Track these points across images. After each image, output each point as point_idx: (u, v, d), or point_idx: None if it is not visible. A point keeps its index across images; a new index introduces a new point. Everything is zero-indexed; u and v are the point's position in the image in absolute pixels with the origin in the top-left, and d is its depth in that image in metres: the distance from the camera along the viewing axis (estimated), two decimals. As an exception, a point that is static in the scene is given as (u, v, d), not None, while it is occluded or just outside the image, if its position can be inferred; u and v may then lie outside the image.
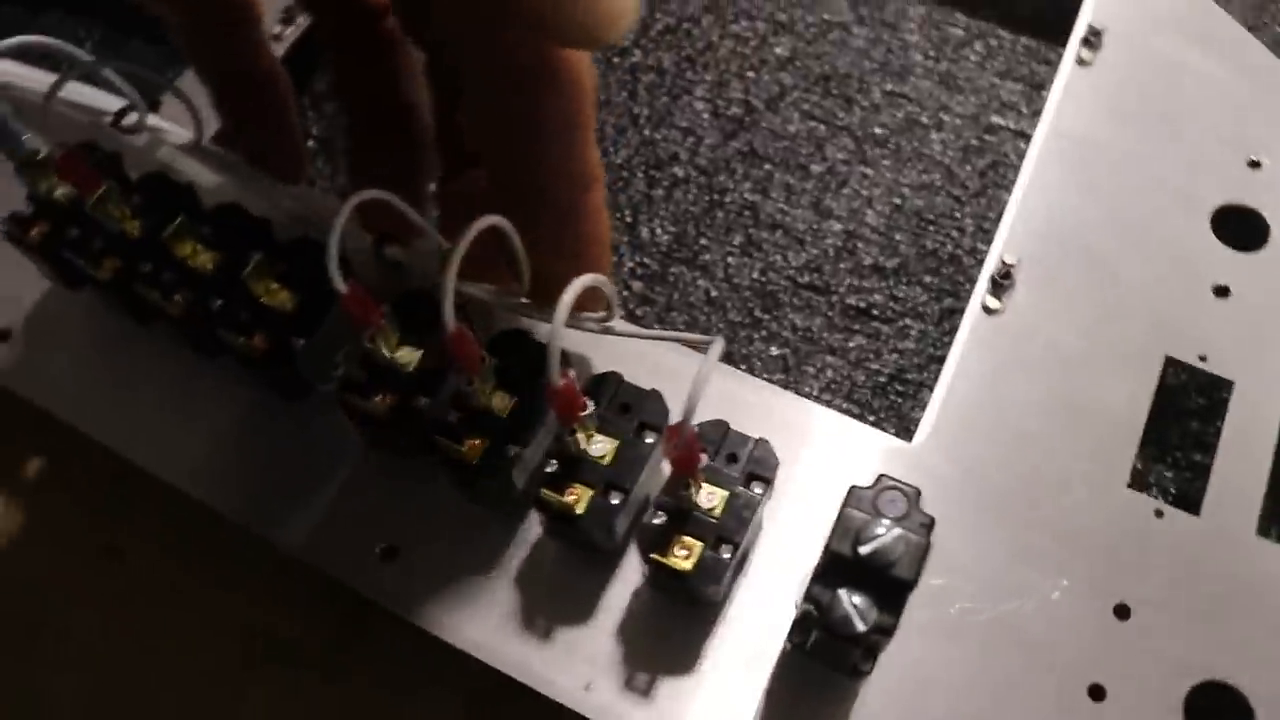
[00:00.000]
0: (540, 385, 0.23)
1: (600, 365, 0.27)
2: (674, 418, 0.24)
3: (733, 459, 0.24)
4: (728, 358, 0.30)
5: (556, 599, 0.26)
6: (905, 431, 0.30)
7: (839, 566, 0.22)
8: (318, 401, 0.29)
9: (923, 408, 0.31)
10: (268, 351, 0.27)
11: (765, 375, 0.30)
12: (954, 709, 0.25)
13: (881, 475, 0.23)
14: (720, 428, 0.25)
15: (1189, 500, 0.27)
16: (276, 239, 0.29)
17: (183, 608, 0.32)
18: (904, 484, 0.23)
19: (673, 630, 0.26)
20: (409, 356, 0.26)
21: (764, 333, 0.32)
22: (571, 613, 0.26)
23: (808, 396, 0.29)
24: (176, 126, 0.32)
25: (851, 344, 0.32)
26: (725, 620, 0.26)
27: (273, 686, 0.30)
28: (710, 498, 0.24)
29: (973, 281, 0.32)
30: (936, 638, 0.25)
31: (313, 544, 0.27)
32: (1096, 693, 0.25)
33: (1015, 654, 0.25)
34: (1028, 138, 0.35)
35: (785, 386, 0.29)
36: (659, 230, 0.33)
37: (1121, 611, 0.26)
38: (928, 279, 0.32)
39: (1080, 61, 0.33)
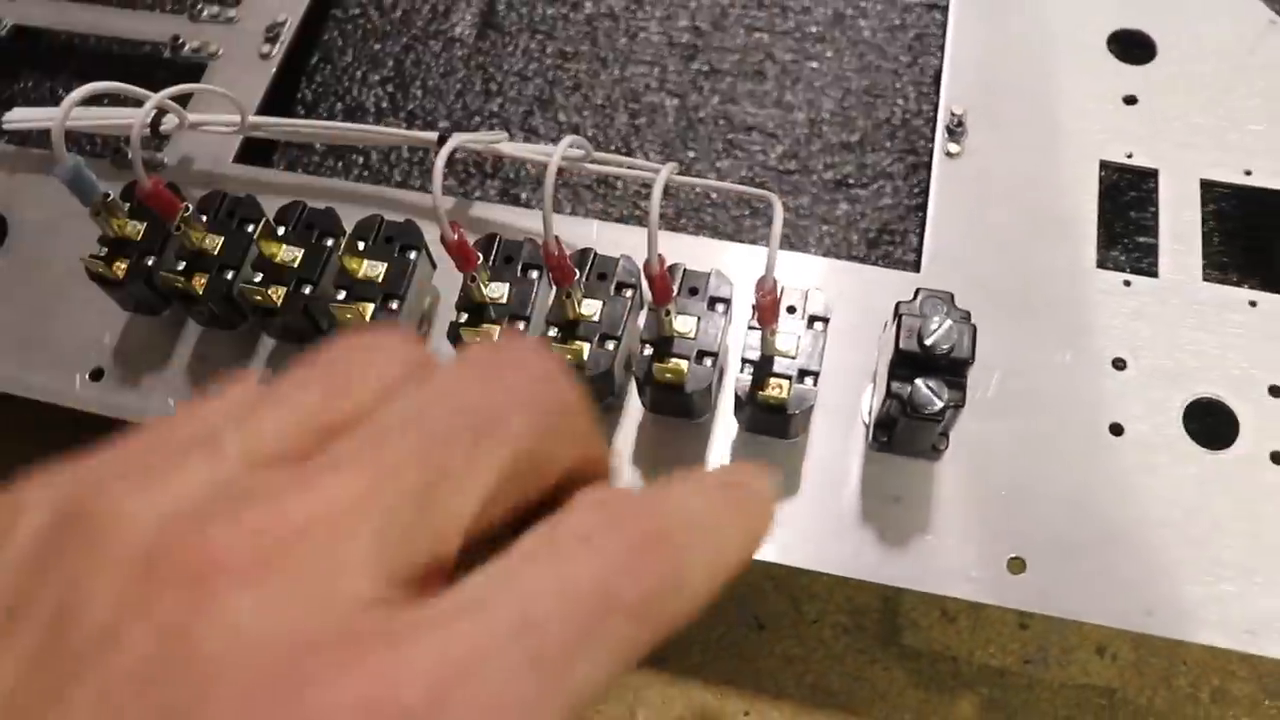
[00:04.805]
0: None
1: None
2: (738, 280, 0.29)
3: (791, 310, 0.29)
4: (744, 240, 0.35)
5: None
6: (906, 269, 0.35)
7: (907, 362, 0.27)
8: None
9: (912, 250, 0.36)
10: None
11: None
12: (1010, 466, 0.30)
13: (918, 289, 0.28)
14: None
15: (1145, 270, 0.33)
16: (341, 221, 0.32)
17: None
18: (939, 291, 0.28)
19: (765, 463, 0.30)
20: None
21: (764, 218, 0.36)
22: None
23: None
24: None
25: (839, 211, 0.37)
26: (810, 448, 0.31)
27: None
28: (787, 341, 0.29)
29: (926, 139, 0.38)
30: (983, 416, 0.31)
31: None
32: (1115, 429, 0.30)
33: (1045, 415, 0.31)
34: (942, 9, 0.40)
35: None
36: (650, 154, 0.38)
37: (1119, 364, 0.31)
38: (888, 144, 0.38)
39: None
